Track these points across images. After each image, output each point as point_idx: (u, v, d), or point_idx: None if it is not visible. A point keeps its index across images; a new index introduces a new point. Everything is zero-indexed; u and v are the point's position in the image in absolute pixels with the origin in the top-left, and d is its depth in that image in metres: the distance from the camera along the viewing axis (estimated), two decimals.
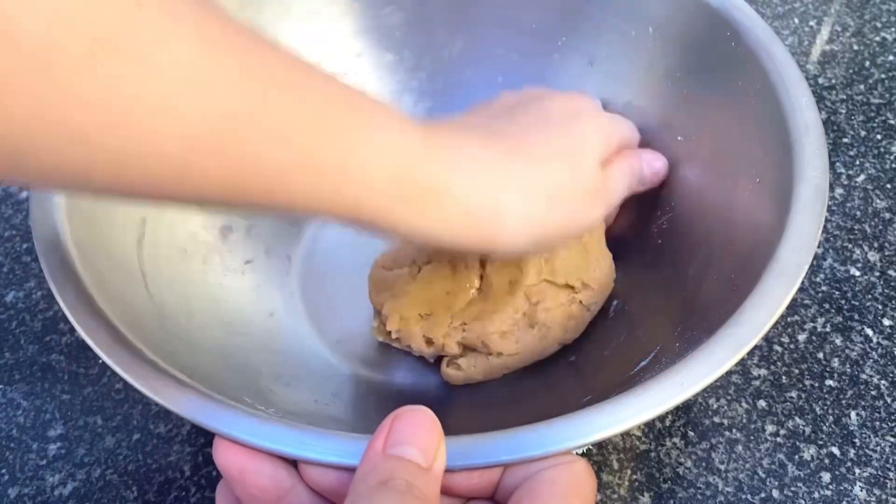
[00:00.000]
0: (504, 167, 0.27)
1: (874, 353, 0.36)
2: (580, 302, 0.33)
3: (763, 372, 0.36)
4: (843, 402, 0.34)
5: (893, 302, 0.38)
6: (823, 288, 0.39)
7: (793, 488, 0.32)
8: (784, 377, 0.35)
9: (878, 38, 0.51)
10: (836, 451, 0.33)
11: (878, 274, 0.39)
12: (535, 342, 0.32)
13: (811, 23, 0.53)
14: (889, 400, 0.34)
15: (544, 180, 0.28)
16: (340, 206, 0.23)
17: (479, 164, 0.27)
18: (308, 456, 0.21)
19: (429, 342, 0.32)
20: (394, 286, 0.34)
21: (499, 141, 0.28)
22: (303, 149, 0.20)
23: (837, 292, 0.38)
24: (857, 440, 0.33)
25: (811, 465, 0.33)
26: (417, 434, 0.20)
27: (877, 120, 0.46)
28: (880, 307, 0.38)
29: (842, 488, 0.32)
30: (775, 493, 0.32)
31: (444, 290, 0.33)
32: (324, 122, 0.21)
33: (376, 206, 0.23)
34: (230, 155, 0.19)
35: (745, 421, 0.34)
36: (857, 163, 0.44)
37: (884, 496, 0.31)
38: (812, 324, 0.37)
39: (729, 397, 0.35)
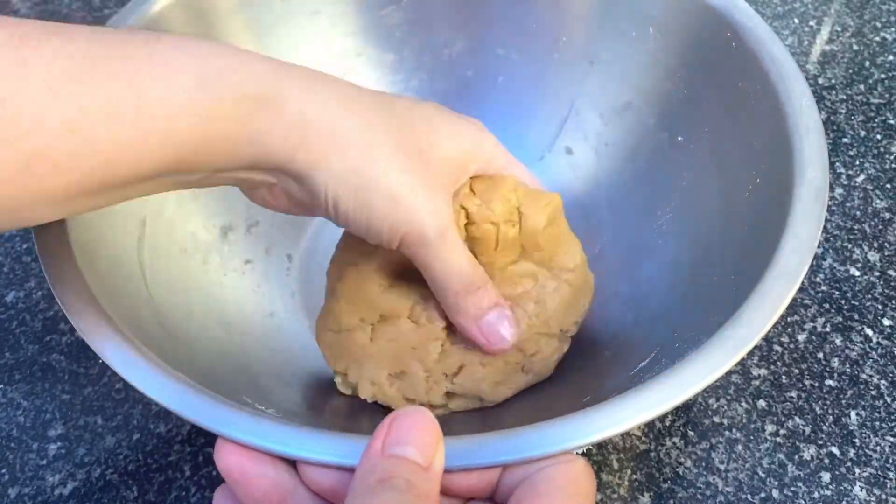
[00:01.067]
0: (357, 98, 0.25)
1: (874, 353, 0.36)
2: (570, 337, 0.32)
3: (763, 372, 0.36)
4: (843, 401, 0.34)
5: (893, 302, 0.38)
6: (823, 288, 0.39)
7: (793, 488, 0.32)
8: (784, 377, 0.35)
9: (878, 38, 0.51)
10: (835, 450, 0.33)
11: (877, 274, 0.39)
12: (527, 382, 0.32)
13: (811, 23, 0.52)
14: (889, 400, 0.34)
15: (396, 133, 0.26)
16: (156, 145, 0.21)
17: (326, 83, 0.24)
18: (308, 456, 0.21)
19: (410, 400, 0.31)
20: (350, 350, 0.31)
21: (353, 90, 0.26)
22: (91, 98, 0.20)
23: (837, 292, 0.38)
24: (856, 440, 0.33)
25: (811, 464, 0.33)
26: (416, 434, 0.20)
27: (877, 120, 0.46)
28: (880, 307, 0.38)
29: (842, 488, 0.32)
30: (775, 493, 0.32)
31: (410, 345, 0.30)
32: (108, 65, 0.20)
33: (190, 131, 0.22)
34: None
35: (744, 421, 0.34)
36: (857, 163, 0.44)
37: (884, 496, 0.31)
38: (812, 324, 0.37)
39: (729, 397, 0.35)
